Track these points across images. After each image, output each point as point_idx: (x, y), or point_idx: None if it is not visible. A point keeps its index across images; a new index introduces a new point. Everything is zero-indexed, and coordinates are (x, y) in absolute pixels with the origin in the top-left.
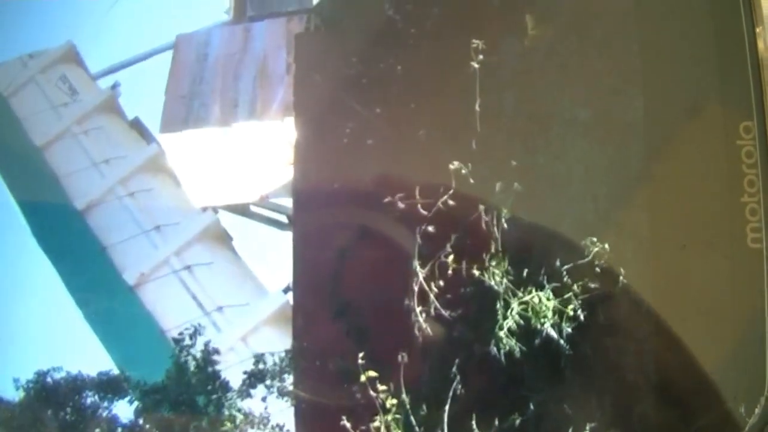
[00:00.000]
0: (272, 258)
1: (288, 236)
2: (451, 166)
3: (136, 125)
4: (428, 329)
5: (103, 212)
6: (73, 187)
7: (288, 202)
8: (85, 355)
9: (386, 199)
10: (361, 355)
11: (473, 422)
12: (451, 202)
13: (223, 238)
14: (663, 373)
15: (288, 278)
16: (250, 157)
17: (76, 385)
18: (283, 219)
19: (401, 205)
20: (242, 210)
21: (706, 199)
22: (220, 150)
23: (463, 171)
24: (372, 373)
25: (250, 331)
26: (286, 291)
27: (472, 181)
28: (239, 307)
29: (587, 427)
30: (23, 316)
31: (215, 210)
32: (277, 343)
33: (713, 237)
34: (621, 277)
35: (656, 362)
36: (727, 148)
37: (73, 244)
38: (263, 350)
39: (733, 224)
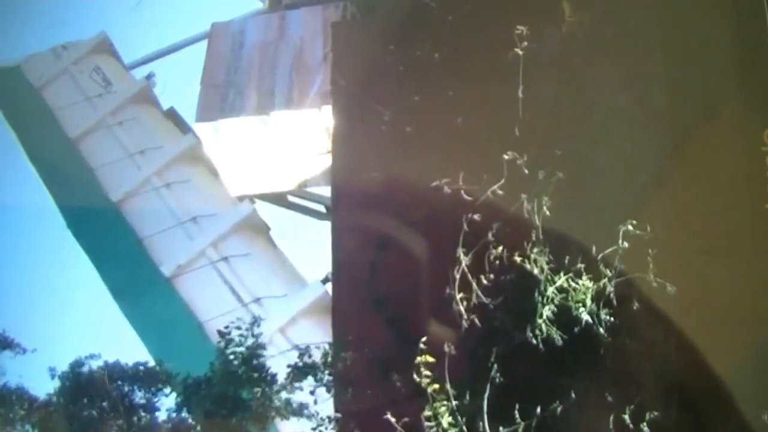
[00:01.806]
0: (310, 248)
1: (326, 226)
2: (506, 156)
3: (172, 115)
4: (469, 317)
5: (139, 204)
6: (109, 178)
7: (326, 191)
8: (122, 347)
9: (434, 183)
10: (423, 339)
11: (515, 411)
12: (500, 192)
13: (261, 229)
14: (684, 382)
15: (326, 268)
16: (288, 146)
17: (112, 374)
18: (321, 209)
19: (448, 190)
20: (280, 199)
21: (729, 205)
22: (257, 139)
23: (518, 161)
24: (429, 358)
25: (289, 322)
26: (324, 282)
27: (526, 171)
28: (277, 298)
29: (627, 411)
30: (60, 308)
31: (252, 200)
32: (317, 334)
33: (736, 243)
34: (650, 259)
35: (679, 371)
36: (751, 155)
37: (108, 236)
38: (302, 341)
39: (756, 230)
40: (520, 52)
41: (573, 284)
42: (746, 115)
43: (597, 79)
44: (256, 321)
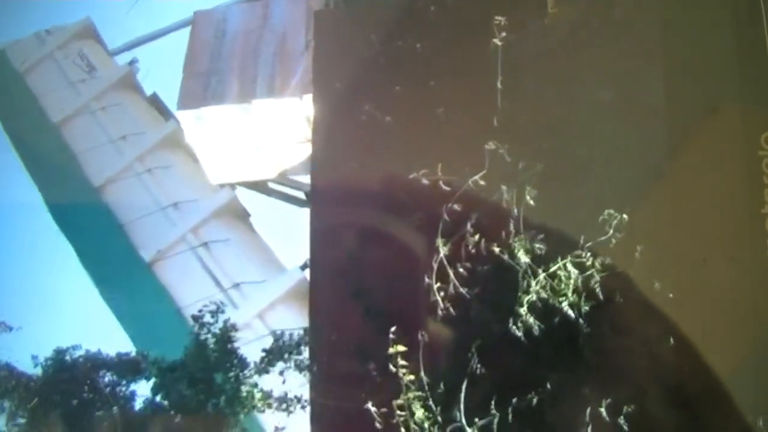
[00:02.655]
0: (290, 235)
1: (306, 213)
2: (487, 147)
3: (154, 102)
4: (446, 307)
5: (120, 189)
6: (91, 163)
7: (306, 179)
8: (103, 333)
9: (411, 175)
10: (393, 329)
11: (492, 402)
12: (481, 182)
13: (241, 215)
14: (684, 386)
15: (305, 255)
16: (269, 134)
17: (94, 363)
18: (301, 196)
19: (425, 181)
20: (260, 187)
21: (726, 209)
22: (238, 127)
23: (500, 150)
24: (401, 347)
25: (267, 307)
26: (303, 268)
27: (508, 159)
28: (256, 283)
29: (603, 404)
30: (41, 293)
31: (233, 187)
32: (294, 319)
33: (733, 247)
34: (637, 254)
35: (678, 375)
36: (749, 159)
37: (89, 220)
38: (280, 327)
39: (753, 234)
40: (499, 43)
41: (556, 275)
42: (743, 119)
43: (579, 72)
44: (219, 308)
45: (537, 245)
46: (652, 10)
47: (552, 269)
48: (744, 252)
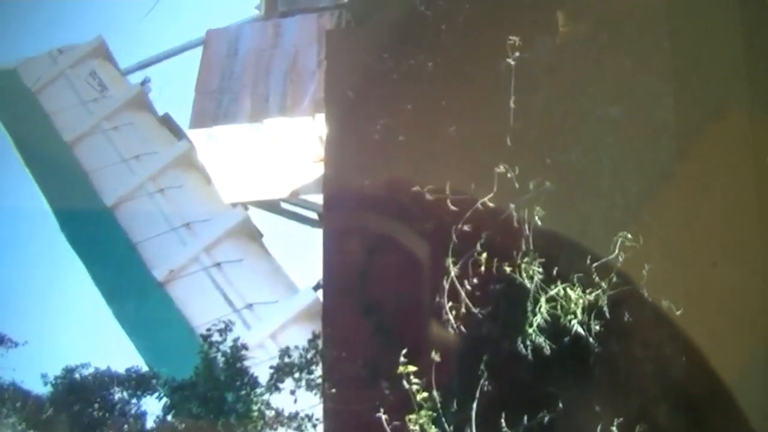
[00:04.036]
0: (302, 255)
1: (318, 233)
2: (497, 170)
3: (167, 121)
4: (458, 326)
5: (132, 208)
6: (103, 183)
7: (318, 199)
8: (114, 351)
9: (414, 188)
10: (404, 351)
11: (502, 419)
12: (490, 204)
13: (254, 235)
14: (692, 390)
15: (318, 275)
16: (281, 153)
17: (104, 381)
18: (314, 216)
19: (429, 197)
20: (273, 206)
21: (735, 215)
22: (251, 146)
23: (509, 175)
24: (411, 368)
25: (280, 328)
26: (316, 288)
27: (517, 185)
28: (269, 304)
29: (614, 423)
30: (52, 312)
31: (245, 207)
32: (307, 339)
33: (743, 252)
34: (645, 272)
35: (685, 379)
36: (758, 163)
37: (102, 240)
38: (292, 346)
39: (762, 240)
40: (512, 62)
41: (564, 294)
42: (752, 124)
43: (589, 90)
44: (227, 326)
45: (540, 266)
46: (659, 23)
47: (560, 288)
48: (753, 257)
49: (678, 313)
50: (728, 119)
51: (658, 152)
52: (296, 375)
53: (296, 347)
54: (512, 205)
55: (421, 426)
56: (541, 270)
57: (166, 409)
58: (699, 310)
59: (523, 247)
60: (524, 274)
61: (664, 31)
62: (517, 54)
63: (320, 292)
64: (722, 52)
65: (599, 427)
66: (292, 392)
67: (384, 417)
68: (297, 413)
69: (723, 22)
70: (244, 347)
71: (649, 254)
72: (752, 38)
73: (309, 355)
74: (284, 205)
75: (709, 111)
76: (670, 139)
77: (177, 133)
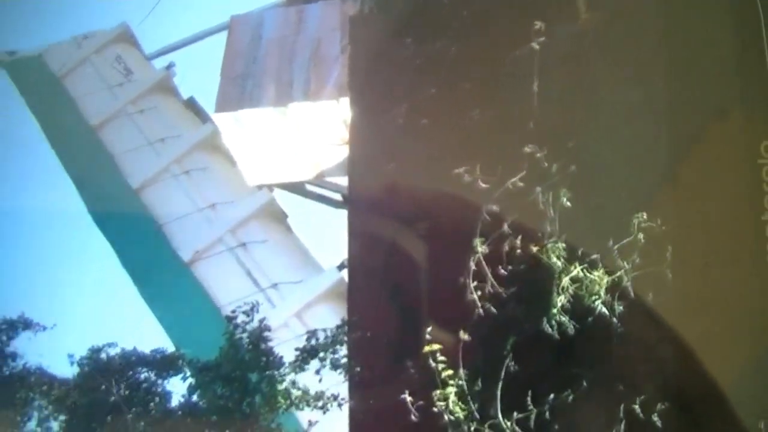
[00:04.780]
0: (327, 236)
1: (342, 214)
2: (526, 149)
3: (191, 105)
4: (483, 306)
5: (158, 190)
6: (129, 165)
7: (342, 181)
8: (140, 332)
9: (456, 170)
10: (429, 329)
11: (528, 398)
12: (520, 184)
13: (278, 216)
14: (682, 389)
15: (342, 255)
16: (305, 137)
17: (130, 361)
18: (338, 197)
19: (467, 178)
20: (297, 188)
21: (726, 216)
22: (275, 129)
23: (538, 155)
24: (436, 346)
25: (305, 307)
26: (340, 268)
27: (546, 164)
28: (294, 283)
29: (637, 401)
30: (79, 293)
31: (270, 188)
32: (332, 319)
33: (734, 255)
34: (668, 254)
35: (676, 378)
36: (749, 167)
37: (128, 221)
38: (317, 326)
39: (754, 241)
40: (536, 47)
41: (588, 275)
42: (744, 128)
43: (607, 76)
44: (253, 307)
45: (566, 247)
46: (658, 20)
47: (584, 269)
48: (745, 258)
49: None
50: (719, 118)
51: (659, 140)
52: (321, 355)
53: (323, 330)
54: (538, 188)
55: (447, 404)
56: (566, 251)
57: (191, 390)
58: (691, 310)
59: (548, 229)
60: (550, 255)
61: (659, 24)
62: (543, 39)
63: (345, 272)
64: (714, 47)
65: (622, 406)
66: (317, 372)
67: (409, 398)
68: (323, 393)
69: (715, 17)
70: (268, 328)
71: (668, 237)
72: (743, 42)
73: (335, 336)
74: (309, 187)
75: (699, 107)
76: (663, 134)
77: (201, 116)
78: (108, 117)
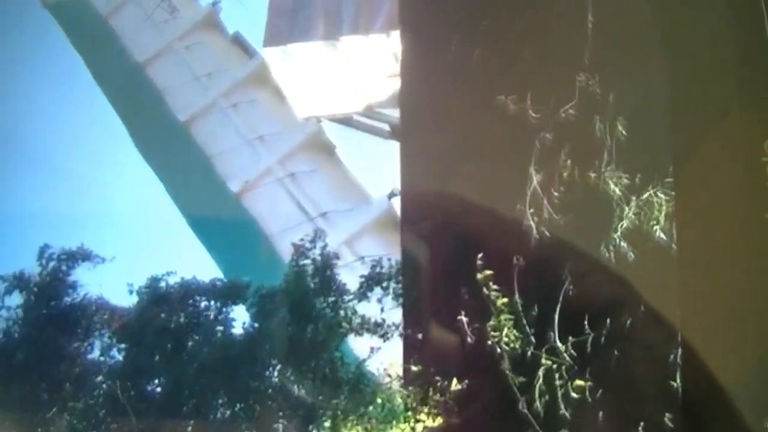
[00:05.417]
0: (375, 167)
1: (390, 146)
2: (578, 79)
3: (237, 40)
4: (540, 232)
5: (206, 124)
6: (176, 100)
7: (392, 112)
8: (195, 262)
9: (499, 97)
10: (480, 255)
11: (585, 322)
12: (571, 112)
13: (327, 147)
14: (687, 389)
15: (391, 186)
16: (355, 70)
17: (189, 289)
18: (386, 128)
19: (512, 106)
20: (345, 120)
21: (729, 215)
22: (325, 63)
23: (590, 82)
24: (488, 272)
25: (355, 235)
26: (390, 197)
27: (599, 91)
28: (343, 212)
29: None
30: (133, 225)
31: (318, 120)
32: (382, 247)
33: (737, 253)
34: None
35: (680, 378)
36: (752, 165)
37: (177, 154)
38: (367, 254)
39: (757, 239)
40: None
41: (648, 202)
42: (746, 126)
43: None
44: (318, 234)
45: (625, 175)
46: (666, 24)
47: (644, 196)
48: (747, 257)
49: None
50: (721, 117)
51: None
52: (384, 284)
53: (388, 258)
54: (597, 116)
55: (501, 329)
56: (625, 177)
57: (255, 317)
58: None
59: (606, 157)
60: (609, 182)
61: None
62: None
63: (394, 201)
64: (715, 47)
65: (679, 335)
66: (379, 300)
67: (465, 320)
68: (383, 321)
69: (717, 17)
70: (336, 256)
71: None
72: (746, 40)
73: (395, 265)
74: (357, 118)
75: (702, 106)
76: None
77: (248, 51)
78: (154, 54)
